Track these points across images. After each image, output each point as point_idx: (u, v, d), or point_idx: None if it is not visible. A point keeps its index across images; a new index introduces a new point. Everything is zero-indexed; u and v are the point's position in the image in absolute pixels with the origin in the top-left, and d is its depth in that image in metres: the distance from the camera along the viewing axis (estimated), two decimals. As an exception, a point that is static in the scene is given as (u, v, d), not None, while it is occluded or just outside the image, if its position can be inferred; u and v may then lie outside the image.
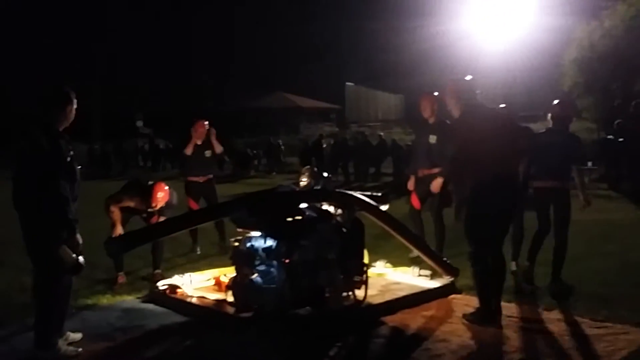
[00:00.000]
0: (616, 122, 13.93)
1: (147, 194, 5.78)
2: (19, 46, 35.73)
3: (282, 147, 24.79)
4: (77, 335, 4.12)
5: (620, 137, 13.17)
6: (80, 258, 3.82)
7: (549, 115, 5.54)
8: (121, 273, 5.78)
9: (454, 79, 4.69)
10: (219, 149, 7.48)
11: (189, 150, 7.34)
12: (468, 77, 4.73)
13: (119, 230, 5.59)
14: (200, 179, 7.39)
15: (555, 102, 5.69)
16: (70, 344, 3.98)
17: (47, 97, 3.93)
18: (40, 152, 3.71)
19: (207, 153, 7.41)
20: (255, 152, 24.83)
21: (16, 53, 35.10)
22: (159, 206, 5.83)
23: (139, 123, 36.43)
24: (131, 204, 5.78)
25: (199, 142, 7.36)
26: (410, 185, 6.64)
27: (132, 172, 22.86)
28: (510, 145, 4.43)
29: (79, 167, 3.98)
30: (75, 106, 3.95)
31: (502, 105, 6.16)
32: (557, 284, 5.31)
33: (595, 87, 19.40)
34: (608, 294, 5.11)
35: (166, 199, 5.88)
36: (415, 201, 6.53)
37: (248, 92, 37.88)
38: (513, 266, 5.65)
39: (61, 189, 3.69)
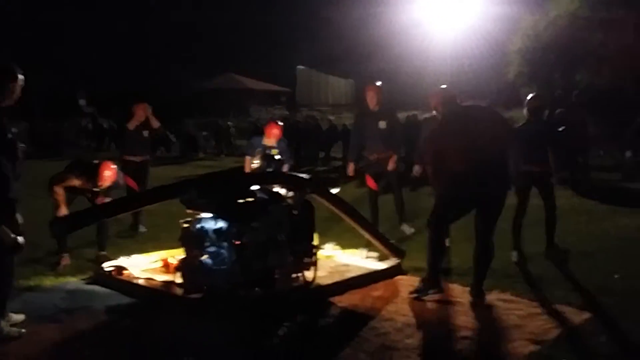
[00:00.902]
0: (557, 111, 14.42)
1: (94, 173, 5.66)
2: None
3: (233, 129, 24.46)
4: (20, 317, 4.02)
5: (561, 127, 13.65)
6: (20, 238, 3.71)
7: (525, 109, 6.14)
8: (65, 254, 5.65)
9: (439, 89, 5.36)
10: (156, 124, 7.64)
11: (132, 125, 7.46)
12: (444, 86, 5.38)
13: (64, 210, 5.44)
14: (137, 159, 7.49)
15: (530, 96, 6.33)
16: (13, 325, 3.88)
17: None
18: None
19: (145, 133, 7.56)
20: (204, 133, 24.44)
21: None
22: (105, 185, 5.72)
23: (82, 102, 35.23)
24: (77, 183, 5.64)
25: (138, 123, 7.49)
26: (350, 171, 7.21)
27: (75, 151, 22.17)
28: (489, 133, 4.59)
29: (22, 145, 3.86)
30: (21, 83, 3.83)
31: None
32: (553, 248, 6.00)
33: (538, 76, 19.89)
34: (545, 275, 5.36)
35: (113, 178, 5.77)
36: (371, 182, 7.00)
37: (197, 72, 37.14)
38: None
39: (2, 167, 3.57)
